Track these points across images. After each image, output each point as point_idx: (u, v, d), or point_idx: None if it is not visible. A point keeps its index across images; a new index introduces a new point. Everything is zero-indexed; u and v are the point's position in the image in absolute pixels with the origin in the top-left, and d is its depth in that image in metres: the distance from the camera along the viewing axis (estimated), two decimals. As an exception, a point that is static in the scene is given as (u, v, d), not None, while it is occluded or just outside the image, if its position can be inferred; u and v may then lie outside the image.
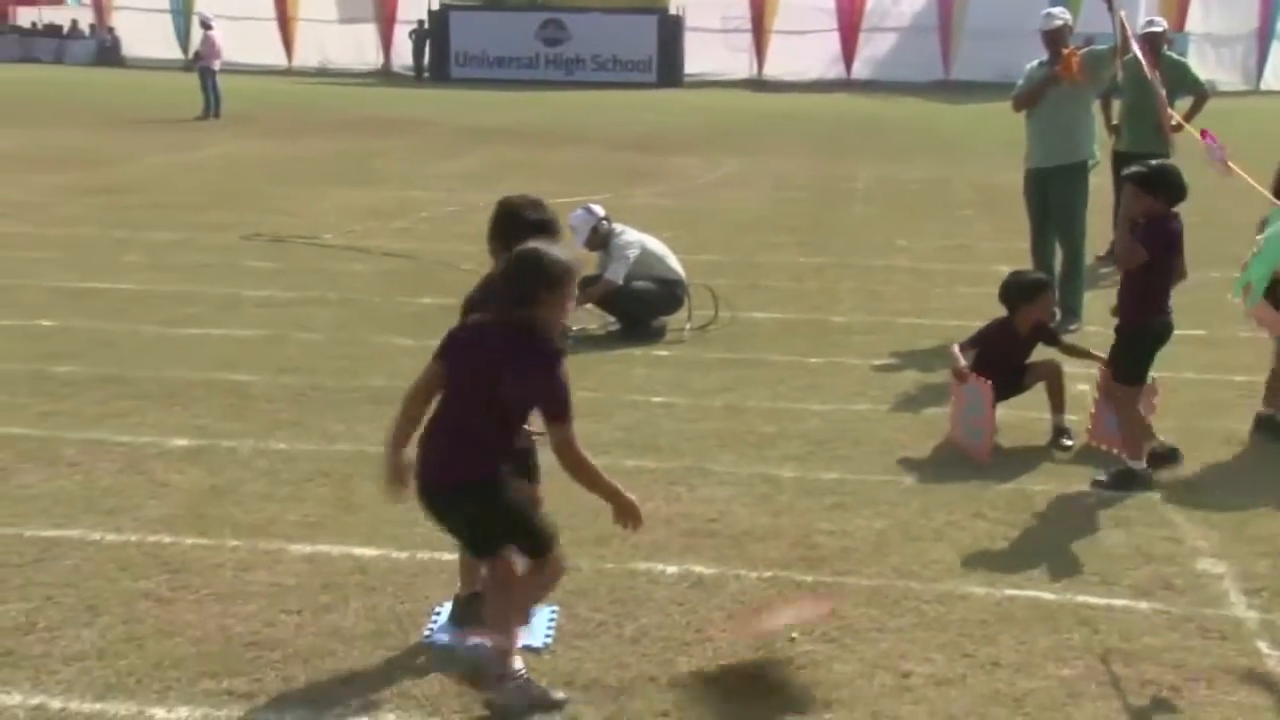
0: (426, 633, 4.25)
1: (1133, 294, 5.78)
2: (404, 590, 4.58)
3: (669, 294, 8.64)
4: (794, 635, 4.26)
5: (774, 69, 40.62)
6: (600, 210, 8.70)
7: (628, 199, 15.29)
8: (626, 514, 3.85)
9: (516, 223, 4.23)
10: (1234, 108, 24.50)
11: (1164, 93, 9.14)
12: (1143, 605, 4.51)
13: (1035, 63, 9.14)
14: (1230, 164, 5.51)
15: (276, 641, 4.16)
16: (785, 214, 14.44)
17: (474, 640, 3.98)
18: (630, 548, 5.01)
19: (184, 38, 40.47)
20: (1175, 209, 5.71)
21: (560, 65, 39.81)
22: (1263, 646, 4.23)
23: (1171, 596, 4.60)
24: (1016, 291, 6.64)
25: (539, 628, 4.26)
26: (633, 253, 8.47)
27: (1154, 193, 5.62)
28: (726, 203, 15.36)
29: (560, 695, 3.81)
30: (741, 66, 41.14)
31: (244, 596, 4.50)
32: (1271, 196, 5.50)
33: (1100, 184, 10.45)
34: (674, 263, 8.75)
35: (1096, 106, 10.20)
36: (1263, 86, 38.72)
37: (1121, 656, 4.11)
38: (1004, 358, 6.48)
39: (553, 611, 4.38)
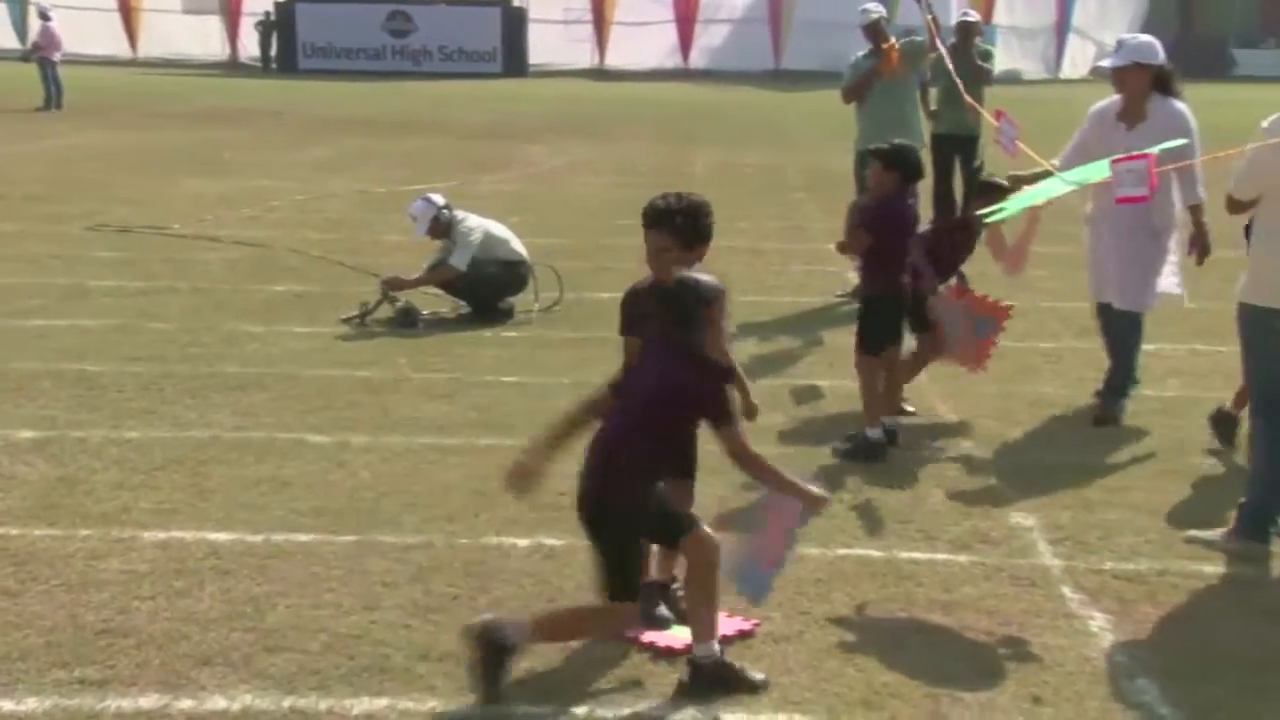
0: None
1: (869, 268, 6.06)
2: (259, 572, 4.48)
3: (514, 275, 8.61)
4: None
5: (615, 59, 40.66)
6: (440, 199, 8.61)
7: (477, 186, 15.15)
8: (811, 504, 3.76)
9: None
10: (1036, 95, 25.44)
11: (974, 79, 9.48)
12: (961, 558, 4.67)
13: (860, 54, 9.41)
14: (1019, 144, 5.74)
15: (130, 628, 4.03)
16: (629, 198, 14.42)
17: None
18: (483, 523, 4.99)
19: (20, 28, 38.55)
20: (910, 188, 6.00)
21: (407, 56, 39.19)
22: (1066, 591, 4.42)
23: (986, 549, 4.77)
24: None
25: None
26: (476, 238, 8.41)
27: (893, 169, 5.85)
28: (572, 188, 15.34)
29: (760, 676, 3.72)
30: (584, 57, 41.08)
31: (96, 585, 4.34)
32: (1047, 164, 5.79)
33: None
34: (517, 244, 8.72)
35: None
36: (1061, 75, 40.27)
37: (941, 606, 4.25)
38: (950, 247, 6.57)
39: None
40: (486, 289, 8.49)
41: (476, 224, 8.54)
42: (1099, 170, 5.03)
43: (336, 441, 5.91)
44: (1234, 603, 4.35)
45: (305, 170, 16.26)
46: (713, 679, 3.66)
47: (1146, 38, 6.33)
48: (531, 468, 3.85)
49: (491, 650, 3.59)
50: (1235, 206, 4.80)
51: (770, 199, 14.43)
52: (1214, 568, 4.60)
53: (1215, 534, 4.79)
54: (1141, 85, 6.08)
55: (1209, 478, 5.55)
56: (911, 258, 5.95)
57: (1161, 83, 6.10)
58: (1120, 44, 6.27)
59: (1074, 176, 5.33)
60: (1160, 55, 6.10)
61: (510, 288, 8.63)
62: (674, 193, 4.21)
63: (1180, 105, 6.09)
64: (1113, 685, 3.77)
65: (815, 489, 3.76)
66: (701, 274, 3.86)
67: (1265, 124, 4.56)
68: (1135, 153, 4.75)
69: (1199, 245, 6.18)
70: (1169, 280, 6.37)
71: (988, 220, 5.68)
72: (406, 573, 4.51)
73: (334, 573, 4.49)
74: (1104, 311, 6.43)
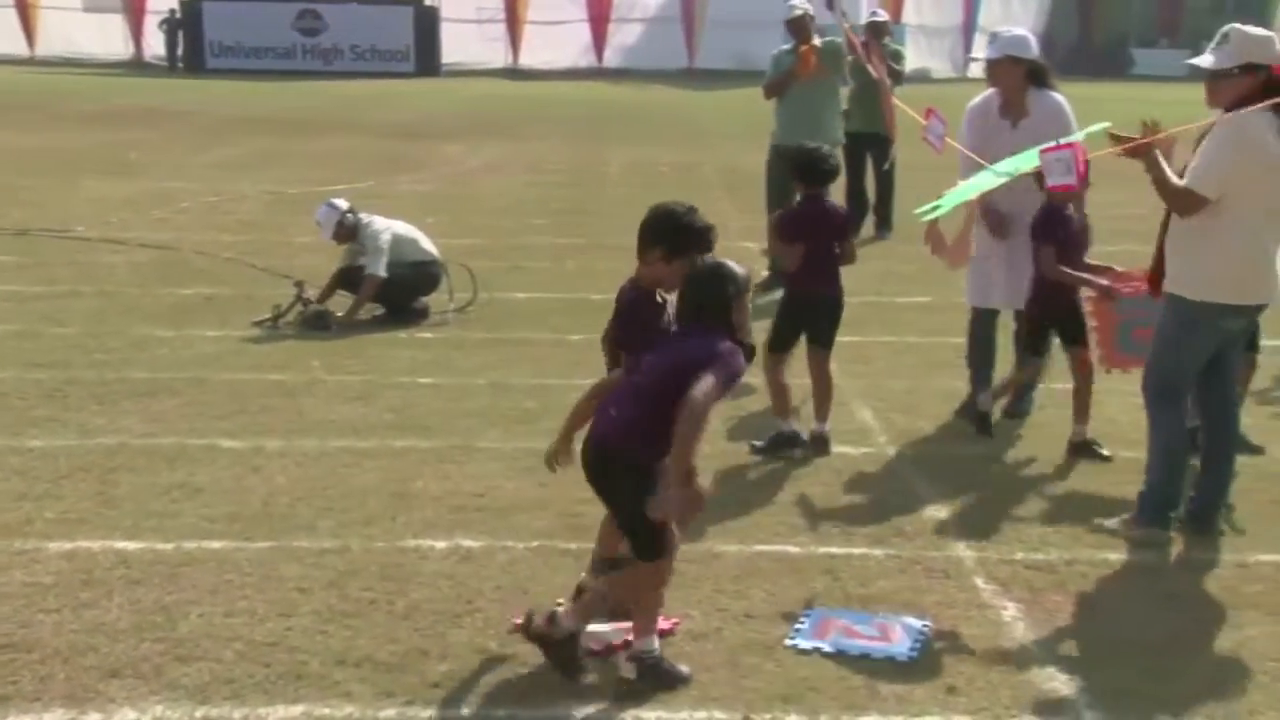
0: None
1: (808, 273, 5.94)
2: (169, 581, 4.39)
3: (426, 275, 8.54)
4: (561, 601, 4.28)
5: (529, 58, 40.53)
6: (343, 204, 8.51)
7: (391, 186, 15.00)
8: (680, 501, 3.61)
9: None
10: (945, 93, 25.80)
11: (889, 81, 9.58)
12: (877, 552, 4.72)
13: (784, 48, 9.52)
14: (947, 139, 5.79)
15: (34, 642, 3.92)
16: (544, 198, 14.45)
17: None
18: (400, 526, 4.94)
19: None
20: (820, 190, 5.97)
21: (318, 55, 38.68)
22: (979, 582, 4.49)
23: (901, 542, 4.83)
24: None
25: (908, 640, 3.98)
26: (385, 241, 8.30)
27: (798, 175, 5.89)
28: (487, 188, 15.26)
29: (684, 670, 3.74)
30: (498, 56, 40.90)
31: (-1, 598, 4.23)
32: (981, 160, 5.82)
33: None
34: (426, 244, 8.63)
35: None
36: (969, 74, 40.96)
37: (860, 600, 4.29)
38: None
39: (924, 625, 4.10)
40: (399, 291, 8.41)
41: (383, 226, 8.45)
42: (1029, 160, 5.11)
43: (250, 446, 5.82)
44: (1138, 589, 4.45)
45: (215, 171, 15.97)
46: (652, 675, 3.69)
47: (1021, 32, 6.39)
48: (559, 450, 4.07)
49: (557, 646, 3.71)
50: (1195, 203, 4.57)
51: (686, 198, 14.31)
52: (1119, 555, 4.70)
53: (1116, 521, 4.90)
54: (1015, 79, 6.11)
55: (1113, 468, 5.66)
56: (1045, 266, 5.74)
57: (1036, 77, 6.15)
58: (994, 37, 6.35)
59: (1005, 168, 5.40)
60: (1034, 50, 6.15)
61: (423, 288, 8.56)
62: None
63: (1059, 98, 6.14)
64: (1024, 673, 3.84)
65: (695, 491, 3.56)
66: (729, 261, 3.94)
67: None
68: (1063, 141, 4.84)
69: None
70: None
71: (925, 218, 5.74)
72: (323, 578, 4.44)
73: (248, 579, 4.42)
74: (987, 319, 6.43)
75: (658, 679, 3.70)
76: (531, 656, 3.89)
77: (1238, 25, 4.64)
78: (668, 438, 3.50)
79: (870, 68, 8.65)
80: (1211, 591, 4.42)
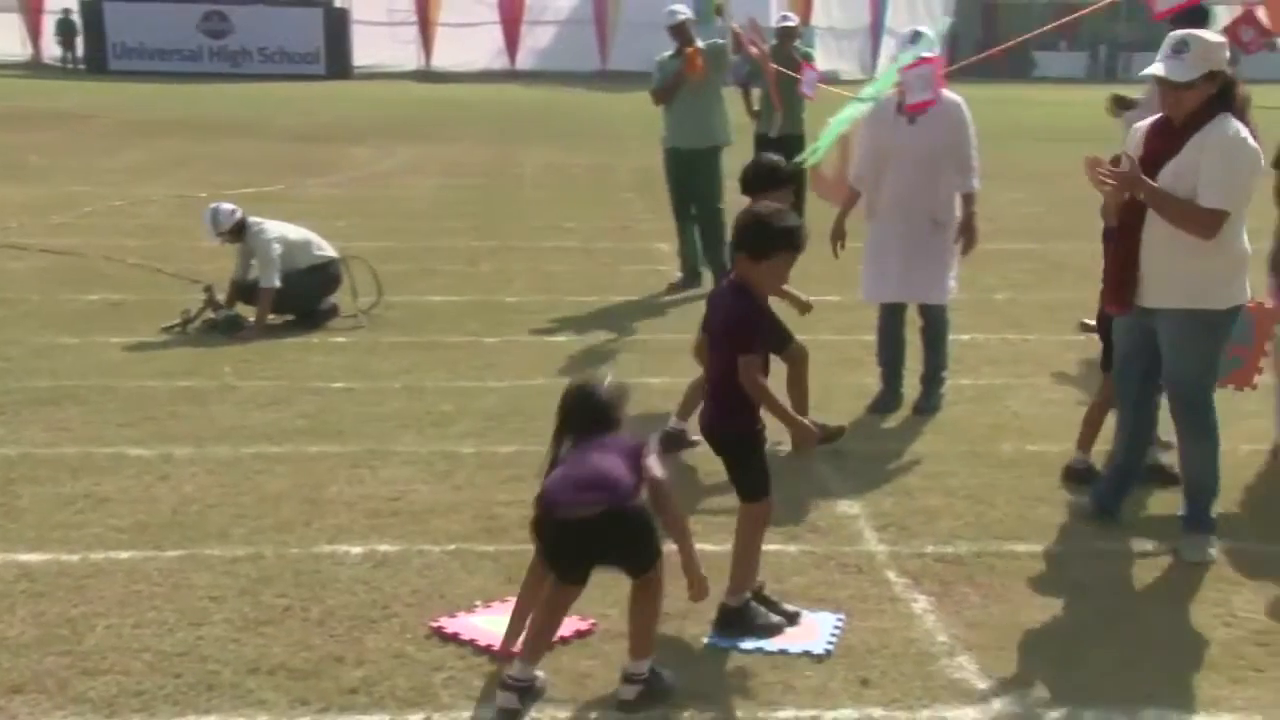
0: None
1: None
2: (75, 593, 4.28)
3: (325, 276, 8.40)
4: (478, 604, 4.26)
5: (442, 60, 40.28)
6: (229, 206, 8.34)
7: (302, 189, 14.82)
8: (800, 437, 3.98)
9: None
10: (852, 93, 26.08)
11: (768, 56, 9.73)
12: (791, 548, 4.76)
13: (667, 54, 9.57)
14: (820, 85, 5.88)
15: (-64, 659, 3.81)
16: (458, 200, 14.37)
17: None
18: (314, 532, 4.88)
19: None
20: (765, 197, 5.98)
21: (225, 58, 38.08)
22: (891, 576, 4.55)
23: (815, 538, 4.88)
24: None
25: (823, 634, 4.05)
26: (276, 250, 8.13)
27: (749, 190, 5.87)
28: (400, 190, 15.13)
29: (670, 675, 3.70)
30: (410, 58, 40.59)
31: (-103, 615, 4.09)
32: (851, 96, 5.94)
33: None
34: (320, 244, 8.48)
35: (735, 94, 10.71)
36: (876, 74, 41.55)
37: (776, 595, 4.31)
38: None
39: (839, 619, 4.16)
40: (301, 299, 8.25)
41: (275, 232, 8.25)
42: (888, 80, 5.19)
43: (158, 454, 5.71)
44: (1045, 580, 4.54)
45: (120, 175, 15.64)
46: (652, 692, 3.64)
47: (923, 29, 6.51)
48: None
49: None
50: (1223, 221, 4.40)
51: (600, 199, 14.49)
52: (1026, 547, 4.79)
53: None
54: None
55: (1020, 462, 5.78)
56: None
57: None
58: (916, 35, 6.42)
59: (868, 93, 5.49)
60: (934, 49, 6.26)
61: (324, 289, 8.42)
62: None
63: (956, 96, 6.24)
64: (935, 664, 3.90)
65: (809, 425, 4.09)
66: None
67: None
68: (922, 57, 4.88)
69: (967, 235, 6.34)
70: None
71: (808, 163, 5.79)
72: (235, 586, 4.37)
73: (157, 590, 4.33)
74: (893, 315, 6.53)
75: (656, 695, 3.64)
76: (449, 661, 3.86)
77: (1195, 33, 4.46)
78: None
79: (752, 50, 8.77)
80: (1115, 581, 4.52)
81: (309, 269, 8.30)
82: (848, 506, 5.22)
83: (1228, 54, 4.49)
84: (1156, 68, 4.42)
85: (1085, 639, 4.09)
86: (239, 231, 8.22)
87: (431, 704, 3.63)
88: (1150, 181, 4.43)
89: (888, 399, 6.58)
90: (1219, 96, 4.45)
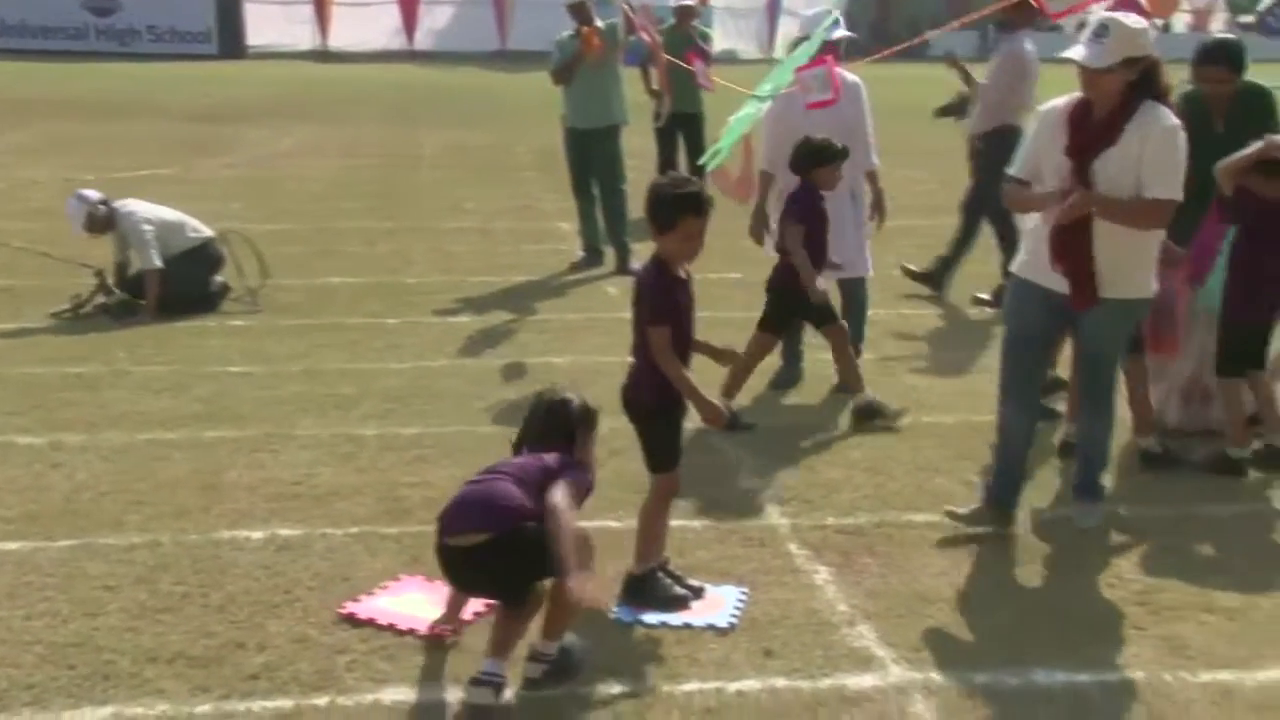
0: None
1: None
2: (-35, 586, 4.16)
3: (206, 257, 8.19)
4: (384, 585, 4.23)
5: (338, 40, 39.60)
6: (93, 194, 8.08)
7: (196, 171, 14.50)
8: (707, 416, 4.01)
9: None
10: (752, 73, 26.24)
11: (660, 41, 9.75)
12: (695, 523, 4.80)
13: (566, 34, 9.55)
14: (714, 78, 5.93)
15: None
16: (356, 181, 14.17)
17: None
18: (213, 518, 4.79)
19: None
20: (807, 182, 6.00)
21: (113, 36, 37.00)
22: (793, 548, 4.61)
23: (719, 513, 4.91)
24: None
25: (727, 607, 4.07)
26: (149, 230, 7.90)
27: (798, 169, 5.91)
28: (298, 172, 14.88)
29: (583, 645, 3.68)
30: (305, 37, 39.83)
31: None
32: (748, 92, 5.97)
33: (646, 144, 10.99)
34: (195, 225, 8.26)
35: (632, 73, 10.72)
36: (774, 54, 41.85)
37: (679, 570, 4.34)
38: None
39: (742, 592, 4.19)
40: (185, 284, 8.02)
41: (145, 213, 8.00)
42: (784, 76, 5.23)
43: (49, 441, 5.55)
44: (941, 548, 4.63)
45: (3, 156, 15.13)
46: (559, 671, 3.61)
47: (823, 9, 6.59)
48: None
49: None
50: (1173, 210, 4.40)
51: (500, 179, 14.40)
52: (924, 517, 4.88)
53: (964, 509, 4.78)
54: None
55: (917, 433, 5.88)
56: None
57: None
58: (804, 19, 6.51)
59: (766, 89, 5.52)
60: (839, 31, 6.34)
61: (208, 271, 8.21)
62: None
63: (854, 77, 6.36)
64: (835, 634, 3.96)
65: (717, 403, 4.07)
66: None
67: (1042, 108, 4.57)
68: (817, 56, 4.92)
69: (879, 210, 6.63)
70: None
71: (709, 167, 5.81)
72: (131, 574, 4.28)
73: (49, 580, 4.22)
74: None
75: (563, 674, 3.61)
76: (353, 644, 3.83)
77: (1115, 17, 4.33)
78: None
79: (644, 35, 8.80)
80: (1007, 548, 4.63)
81: (187, 253, 8.05)
82: (750, 481, 5.27)
83: (1151, 39, 4.37)
84: (1075, 51, 4.31)
85: (979, 605, 4.19)
86: (107, 223, 7.97)
87: (335, 687, 3.59)
88: (1103, 197, 4.33)
89: (790, 374, 6.65)
90: (1143, 82, 4.33)
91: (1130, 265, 4.46)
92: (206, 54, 36.40)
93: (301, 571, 4.34)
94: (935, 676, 3.70)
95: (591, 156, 9.59)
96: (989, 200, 7.84)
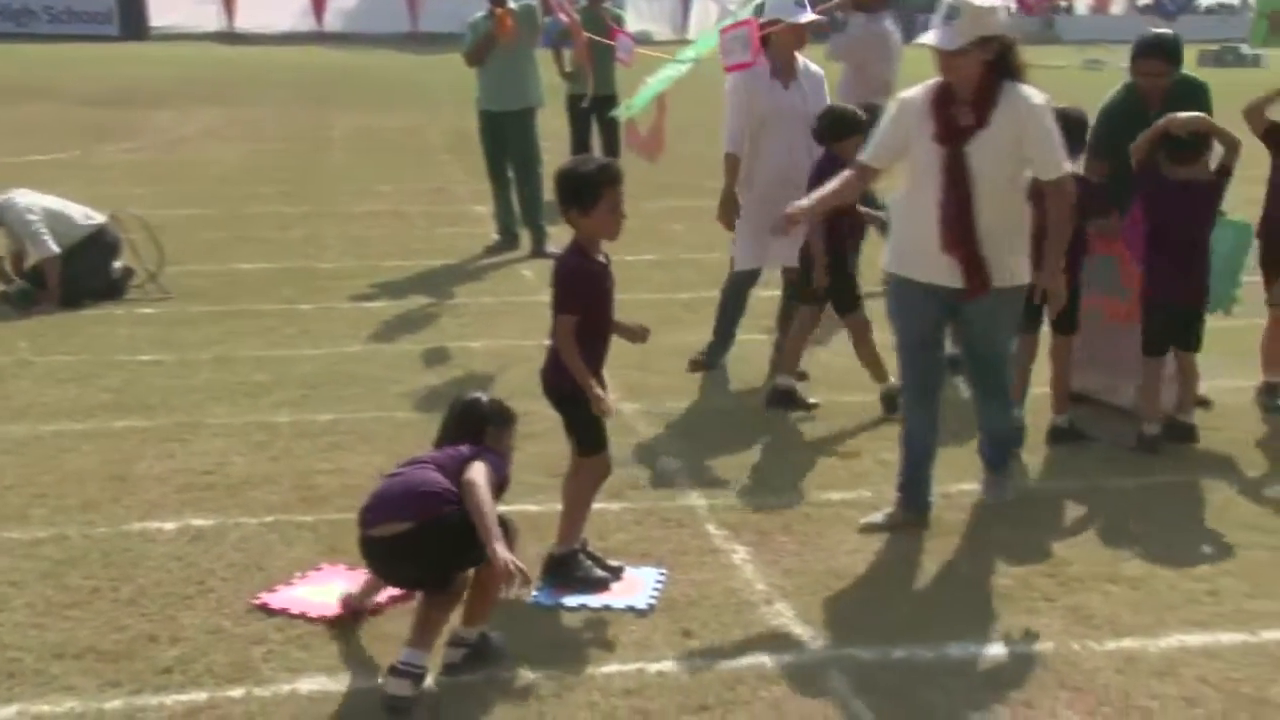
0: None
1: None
2: None
3: (103, 245, 7.97)
4: (298, 575, 4.18)
5: (245, 21, 38.88)
6: None
7: (99, 155, 14.16)
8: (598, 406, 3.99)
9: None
10: (666, 54, 26.25)
11: (578, 19, 9.75)
12: (614, 506, 4.79)
13: (480, 14, 9.50)
14: (635, 51, 5.93)
15: None
16: (267, 165, 13.93)
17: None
18: (123, 509, 4.70)
19: None
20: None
21: (8, 16, 35.94)
22: (711, 528, 4.63)
23: (637, 495, 4.93)
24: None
25: (646, 589, 4.08)
26: (34, 220, 7.65)
27: (823, 140, 5.82)
28: (206, 156, 14.59)
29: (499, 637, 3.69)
30: (210, 19, 39.04)
31: None
32: (669, 57, 5.95)
33: (561, 126, 10.94)
34: (86, 210, 8.04)
35: (549, 55, 10.67)
36: (688, 35, 41.89)
37: (599, 553, 4.35)
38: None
39: (661, 574, 4.19)
40: (87, 274, 7.80)
41: (25, 205, 7.74)
42: (708, 42, 5.22)
43: (-51, 435, 5.40)
44: (854, 525, 4.68)
45: (-104, 141, 14.64)
46: (479, 656, 3.61)
47: None
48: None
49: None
50: (1072, 181, 4.44)
51: (413, 162, 14.24)
52: (839, 495, 4.94)
53: (880, 516, 4.71)
54: (801, 44, 6.20)
55: (832, 413, 5.94)
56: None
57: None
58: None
59: (687, 54, 5.51)
60: (806, 15, 6.32)
61: (108, 257, 7.99)
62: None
63: (817, 67, 6.34)
64: (754, 613, 4.00)
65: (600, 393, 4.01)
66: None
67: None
68: (740, 19, 4.88)
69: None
70: None
71: (623, 116, 5.78)
72: (36, 569, 4.18)
73: (-48, 577, 4.11)
74: (754, 277, 6.48)
75: (482, 659, 3.61)
76: (268, 634, 3.77)
77: None
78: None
79: (561, 16, 8.79)
80: (920, 526, 4.70)
81: (84, 242, 7.82)
82: (668, 463, 5.29)
83: (1003, 18, 4.29)
84: (929, 35, 4.26)
85: (894, 581, 4.26)
86: None
87: (252, 678, 3.54)
88: (1058, 272, 4.43)
89: (718, 355, 6.57)
90: (1000, 62, 4.27)
91: (1009, 252, 4.41)
92: (107, 35, 35.53)
93: (215, 562, 4.27)
94: (851, 652, 3.75)
95: (506, 139, 9.54)
96: None
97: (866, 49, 8.57)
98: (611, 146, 11.95)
